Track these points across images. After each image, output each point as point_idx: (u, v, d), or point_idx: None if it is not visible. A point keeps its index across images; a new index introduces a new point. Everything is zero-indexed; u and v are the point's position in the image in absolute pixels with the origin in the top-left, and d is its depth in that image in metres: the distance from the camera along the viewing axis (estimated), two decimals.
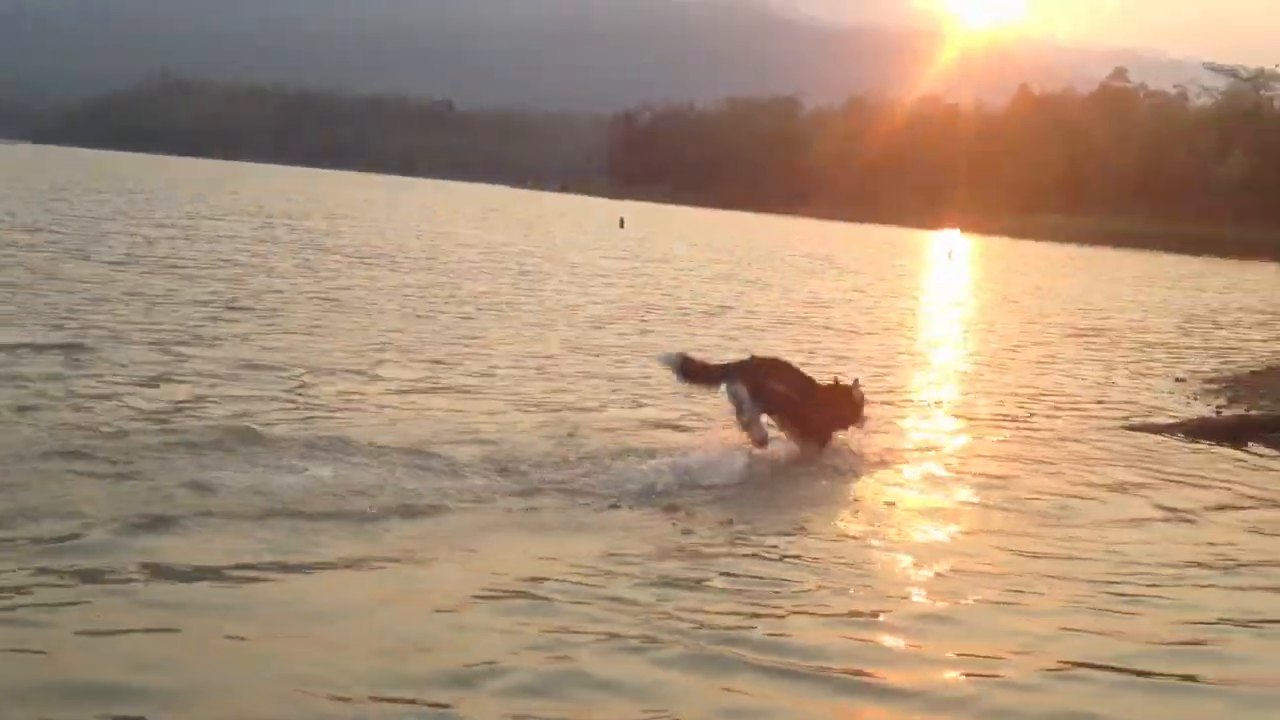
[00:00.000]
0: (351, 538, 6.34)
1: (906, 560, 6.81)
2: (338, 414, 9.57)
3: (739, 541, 6.87)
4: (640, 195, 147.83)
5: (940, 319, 25.00)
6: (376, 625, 5.24)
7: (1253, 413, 13.00)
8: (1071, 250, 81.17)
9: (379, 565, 5.98)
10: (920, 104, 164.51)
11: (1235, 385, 15.70)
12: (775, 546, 6.78)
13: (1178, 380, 16.06)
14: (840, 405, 9.16)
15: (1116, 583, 6.52)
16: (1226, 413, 13.07)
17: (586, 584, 5.88)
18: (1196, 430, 11.61)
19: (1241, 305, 35.81)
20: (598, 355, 14.38)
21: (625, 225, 60.25)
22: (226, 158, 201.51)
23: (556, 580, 5.91)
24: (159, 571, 5.66)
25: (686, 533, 7.00)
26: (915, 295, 32.28)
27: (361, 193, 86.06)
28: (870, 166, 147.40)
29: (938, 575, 6.53)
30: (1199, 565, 7.11)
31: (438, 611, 5.45)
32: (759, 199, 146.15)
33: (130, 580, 5.51)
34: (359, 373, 11.67)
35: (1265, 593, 6.70)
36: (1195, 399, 14.30)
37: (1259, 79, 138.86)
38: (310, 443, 8.22)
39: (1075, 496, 8.65)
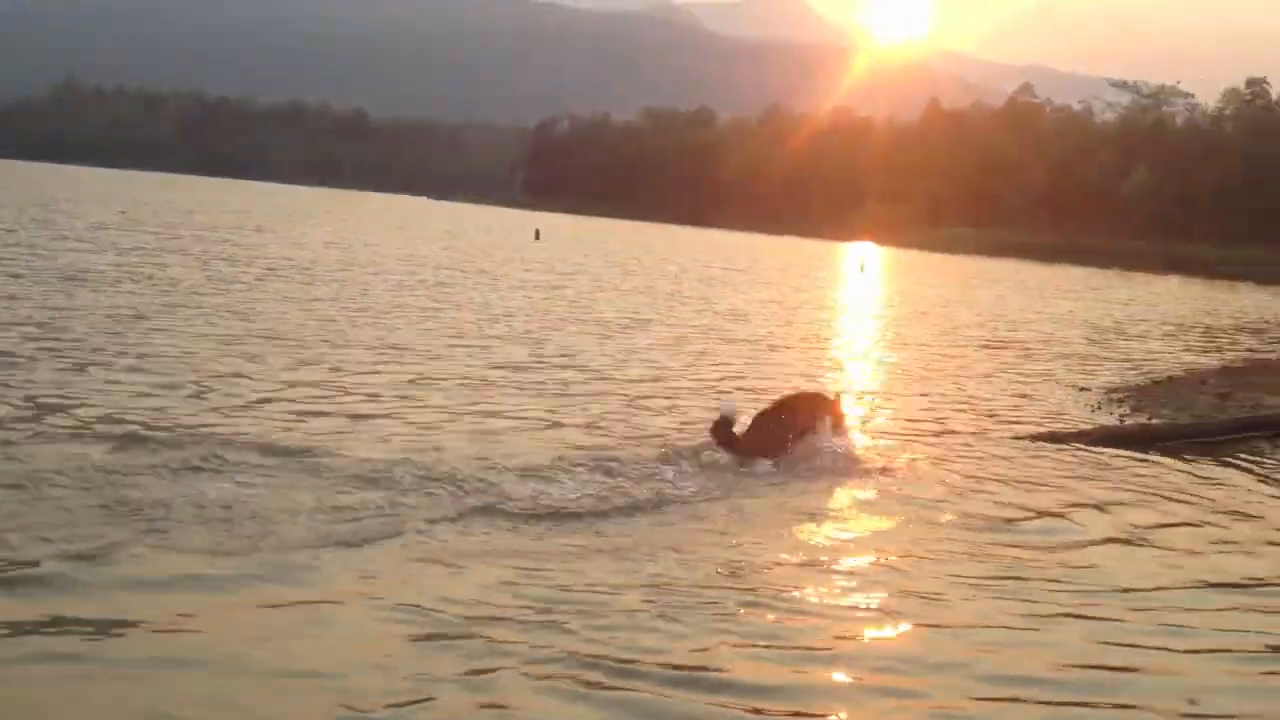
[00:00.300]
0: (262, 568, 6.14)
1: (834, 584, 6.67)
2: (248, 430, 9.45)
3: (660, 560, 6.74)
4: (556, 206, 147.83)
5: (854, 331, 25.28)
6: (285, 660, 5.05)
7: (1154, 422, 13.34)
8: (981, 263, 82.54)
9: (296, 595, 5.81)
10: (833, 117, 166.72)
11: (1138, 395, 16.07)
12: (704, 571, 6.62)
13: (1083, 390, 16.38)
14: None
15: (1029, 599, 6.61)
16: (1129, 422, 13.39)
17: (514, 616, 5.68)
18: (1100, 439, 11.87)
19: (1145, 317, 36.62)
20: (521, 369, 14.36)
21: (540, 237, 60.19)
22: (135, 167, 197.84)
23: (480, 611, 5.70)
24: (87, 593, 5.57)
25: (619, 557, 6.76)
26: (830, 307, 32.64)
27: (275, 202, 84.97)
28: (785, 178, 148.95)
29: (870, 604, 6.39)
30: (1126, 589, 7.22)
31: (361, 645, 5.27)
32: (674, 210, 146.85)
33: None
34: (268, 386, 11.55)
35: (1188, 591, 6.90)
36: (1100, 409, 14.62)
37: (1160, 95, 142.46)
38: (216, 461, 8.09)
39: (981, 505, 8.81)
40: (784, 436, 9.43)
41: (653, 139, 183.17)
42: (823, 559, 7.20)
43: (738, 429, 9.47)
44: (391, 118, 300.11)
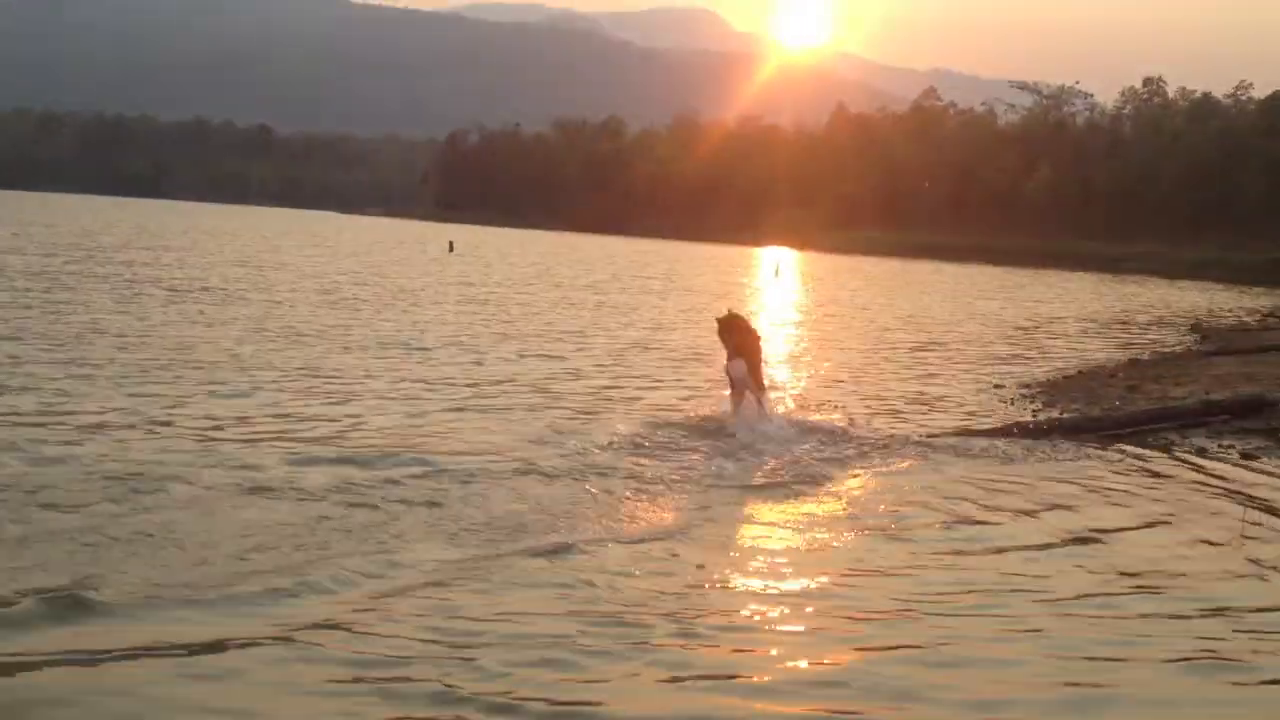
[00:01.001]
0: (182, 607, 5.96)
1: (764, 606, 6.49)
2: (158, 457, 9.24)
3: (582, 586, 6.59)
4: (468, 219, 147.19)
5: (774, 336, 25.35)
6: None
7: (1064, 415, 13.55)
8: (891, 264, 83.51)
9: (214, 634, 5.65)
10: (741, 124, 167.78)
11: (1050, 390, 16.33)
12: (631, 595, 6.47)
13: (996, 387, 16.60)
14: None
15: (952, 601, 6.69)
16: (1041, 416, 13.59)
17: (429, 654, 5.52)
18: (1011, 433, 12.03)
19: (1053, 314, 37.28)
20: (434, 387, 14.21)
21: (455, 249, 59.83)
22: (34, 188, 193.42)
23: (396, 649, 5.53)
24: None
25: (539, 585, 6.58)
26: (749, 313, 32.68)
27: (179, 221, 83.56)
28: (695, 185, 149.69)
29: (794, 623, 6.27)
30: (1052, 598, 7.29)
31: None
32: (586, 219, 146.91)
33: None
34: (179, 414, 11.31)
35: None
36: (1013, 404, 14.81)
37: (1061, 96, 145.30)
38: (121, 489, 7.91)
39: (905, 507, 8.89)
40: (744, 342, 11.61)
41: (563, 149, 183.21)
42: (754, 579, 7.03)
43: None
44: (298, 133, 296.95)
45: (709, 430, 11.25)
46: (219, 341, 16.82)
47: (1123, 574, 7.36)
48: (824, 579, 7.00)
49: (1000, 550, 7.81)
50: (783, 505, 8.85)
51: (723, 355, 11.90)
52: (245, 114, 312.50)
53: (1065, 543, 8.12)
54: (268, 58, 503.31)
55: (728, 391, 11.83)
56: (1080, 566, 7.55)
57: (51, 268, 29.50)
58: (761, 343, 12.11)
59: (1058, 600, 6.75)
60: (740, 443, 10.65)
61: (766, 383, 12.33)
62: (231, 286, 27.36)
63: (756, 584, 6.91)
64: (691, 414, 12.20)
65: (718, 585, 6.83)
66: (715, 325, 12.02)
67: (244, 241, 56.38)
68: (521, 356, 17.51)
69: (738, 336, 11.72)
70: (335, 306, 24.07)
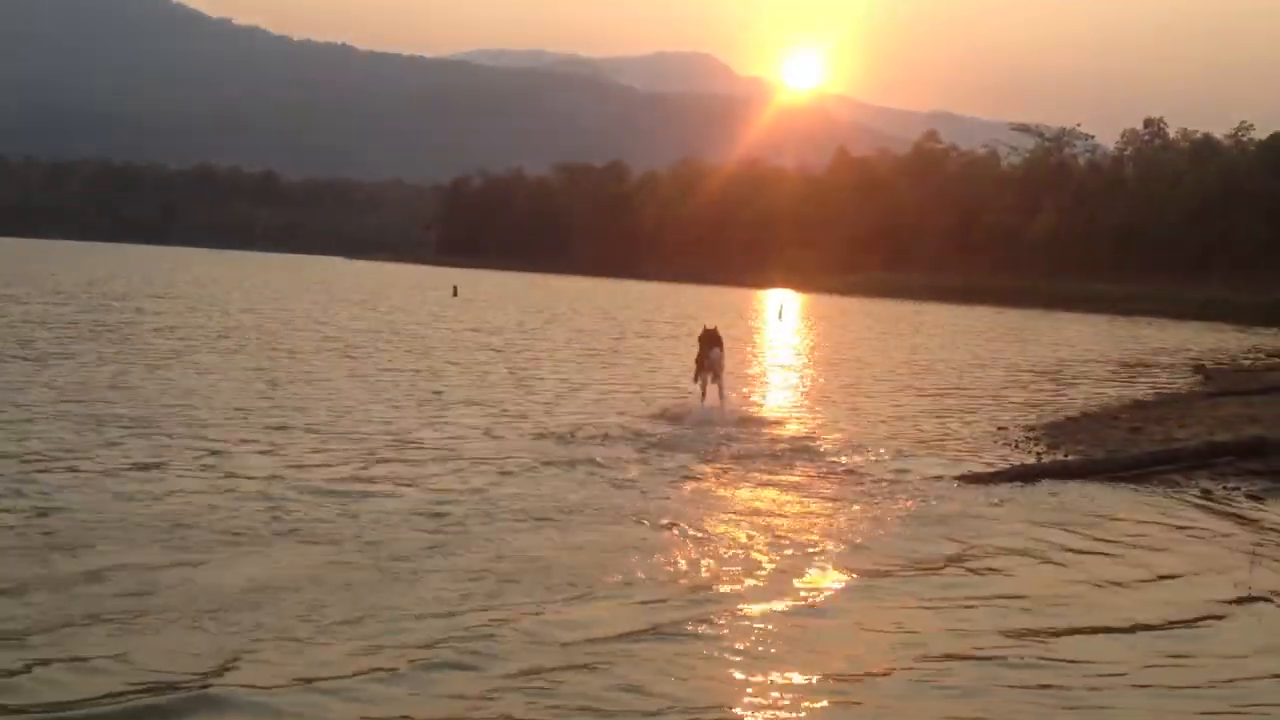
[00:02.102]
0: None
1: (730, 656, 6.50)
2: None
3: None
4: (472, 263, 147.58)
5: (779, 377, 25.37)
6: None
7: (1068, 458, 13.58)
8: (893, 306, 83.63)
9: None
10: (744, 167, 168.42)
11: (1054, 432, 16.36)
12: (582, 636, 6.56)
13: (999, 429, 16.63)
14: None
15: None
16: (1046, 459, 13.62)
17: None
18: (1016, 476, 12.07)
19: (1057, 355, 37.32)
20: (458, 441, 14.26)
21: (458, 294, 60.02)
22: (43, 236, 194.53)
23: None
24: None
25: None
26: (756, 356, 32.74)
27: (187, 270, 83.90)
28: (698, 229, 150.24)
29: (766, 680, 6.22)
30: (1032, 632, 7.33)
31: None
32: (591, 264, 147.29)
33: None
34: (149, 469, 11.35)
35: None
36: (1017, 447, 14.84)
37: (1062, 138, 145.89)
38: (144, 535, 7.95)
39: (910, 550, 8.93)
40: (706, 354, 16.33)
41: (566, 193, 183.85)
42: (741, 625, 7.05)
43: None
44: (303, 179, 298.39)
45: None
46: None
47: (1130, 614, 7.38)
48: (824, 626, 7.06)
49: (1007, 597, 7.88)
50: (772, 543, 8.91)
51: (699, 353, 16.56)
52: (250, 160, 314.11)
53: (1075, 595, 8.14)
54: (273, 104, 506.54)
55: (696, 382, 16.54)
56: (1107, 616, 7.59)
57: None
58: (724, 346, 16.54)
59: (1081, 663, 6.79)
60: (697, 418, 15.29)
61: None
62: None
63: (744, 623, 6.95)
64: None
65: (690, 635, 6.88)
66: (700, 332, 16.65)
67: (285, 296, 56.49)
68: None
69: (715, 342, 16.31)
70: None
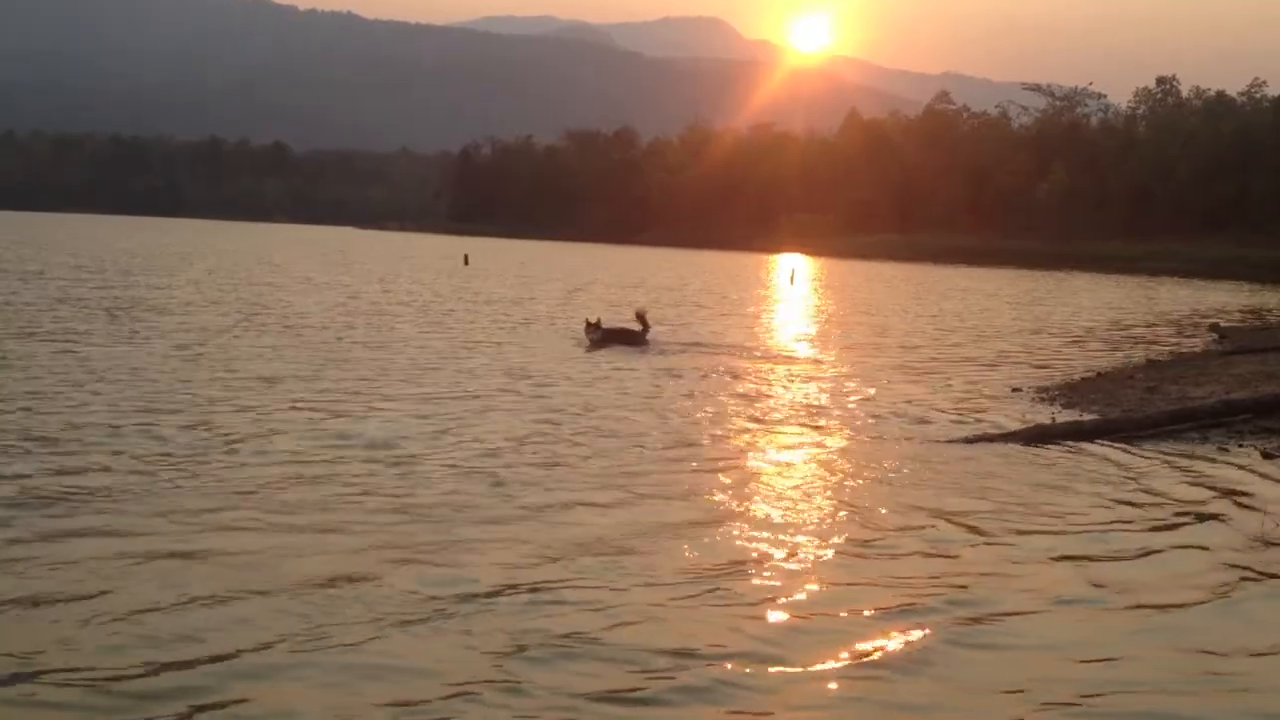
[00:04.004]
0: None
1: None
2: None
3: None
4: (482, 231, 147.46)
5: (796, 340, 25.28)
6: None
7: (1083, 418, 13.52)
8: (905, 268, 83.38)
9: None
10: (753, 131, 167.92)
11: (1069, 392, 16.29)
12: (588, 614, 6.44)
13: (1014, 390, 16.56)
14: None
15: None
16: (1061, 419, 13.55)
17: None
18: (1032, 437, 12.02)
19: (1072, 315, 37.16)
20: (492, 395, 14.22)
21: (469, 262, 59.92)
22: (52, 210, 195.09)
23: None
24: None
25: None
26: (772, 317, 32.67)
27: (202, 240, 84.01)
28: (709, 193, 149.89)
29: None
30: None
31: None
32: (601, 230, 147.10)
33: None
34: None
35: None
36: (1031, 407, 14.78)
37: (1074, 97, 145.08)
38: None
39: (917, 514, 8.89)
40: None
41: (576, 160, 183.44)
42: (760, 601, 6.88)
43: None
44: (312, 150, 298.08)
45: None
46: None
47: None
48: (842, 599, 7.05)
49: (1023, 562, 7.83)
50: (789, 507, 8.91)
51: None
52: (258, 131, 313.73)
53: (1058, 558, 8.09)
54: (281, 74, 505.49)
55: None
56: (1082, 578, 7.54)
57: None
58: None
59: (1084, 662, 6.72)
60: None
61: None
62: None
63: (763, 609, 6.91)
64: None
65: (710, 592, 6.88)
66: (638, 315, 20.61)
67: (289, 261, 56.51)
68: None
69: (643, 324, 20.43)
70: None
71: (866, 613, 6.47)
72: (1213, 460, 11.17)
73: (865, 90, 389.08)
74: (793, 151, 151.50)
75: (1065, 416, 13.78)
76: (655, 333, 21.40)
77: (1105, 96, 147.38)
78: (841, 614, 6.45)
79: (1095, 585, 7.20)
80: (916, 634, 6.17)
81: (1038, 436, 12.07)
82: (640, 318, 20.56)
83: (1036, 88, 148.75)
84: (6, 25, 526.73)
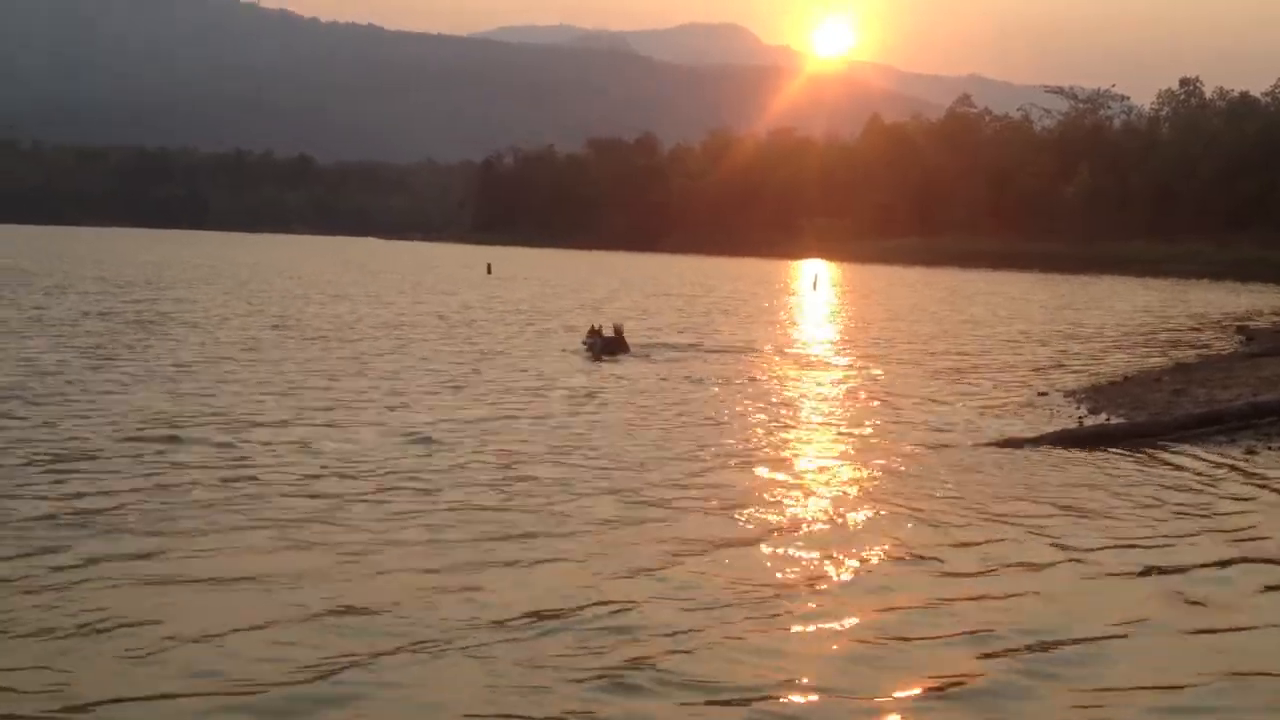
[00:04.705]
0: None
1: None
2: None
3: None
4: (505, 240, 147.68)
5: (822, 346, 25.33)
6: None
7: (1110, 421, 13.55)
8: (929, 273, 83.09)
9: None
10: (774, 136, 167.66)
11: (1095, 396, 16.31)
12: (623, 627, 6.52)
13: (1040, 394, 16.59)
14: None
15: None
16: (1088, 423, 13.59)
17: None
18: (1060, 441, 12.07)
19: (1096, 318, 37.05)
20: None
21: (492, 271, 60.17)
22: (74, 222, 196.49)
23: None
24: None
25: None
26: (798, 324, 32.73)
27: (228, 253, 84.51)
28: (730, 200, 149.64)
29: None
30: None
31: None
32: (623, 238, 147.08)
33: None
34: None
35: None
36: (1057, 411, 14.81)
37: (1097, 100, 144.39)
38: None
39: (943, 517, 8.97)
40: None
41: (598, 168, 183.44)
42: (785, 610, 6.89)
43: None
44: (335, 161, 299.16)
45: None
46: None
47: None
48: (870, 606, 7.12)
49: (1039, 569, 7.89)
50: (819, 513, 9.02)
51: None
52: (281, 141, 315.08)
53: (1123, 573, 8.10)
54: (303, 84, 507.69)
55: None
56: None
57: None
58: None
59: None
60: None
61: None
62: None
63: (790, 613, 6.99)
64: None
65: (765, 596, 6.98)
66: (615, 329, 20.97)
67: (319, 273, 56.77)
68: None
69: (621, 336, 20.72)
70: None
71: (932, 637, 6.29)
72: (1246, 464, 11.20)
73: (886, 94, 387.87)
74: (813, 156, 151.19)
75: (1092, 420, 13.81)
76: (683, 340, 21.55)
77: (1128, 99, 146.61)
78: (907, 639, 6.26)
79: (1168, 603, 7.02)
80: (989, 662, 5.96)
81: (1066, 440, 12.12)
82: (618, 331, 20.98)
83: (1059, 90, 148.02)
84: (30, 38, 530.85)
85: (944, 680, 5.67)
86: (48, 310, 26.88)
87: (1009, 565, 7.74)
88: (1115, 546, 8.24)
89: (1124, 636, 6.39)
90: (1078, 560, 7.87)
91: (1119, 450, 11.73)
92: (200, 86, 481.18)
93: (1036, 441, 12.10)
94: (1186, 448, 11.88)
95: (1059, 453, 11.55)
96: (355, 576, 7.08)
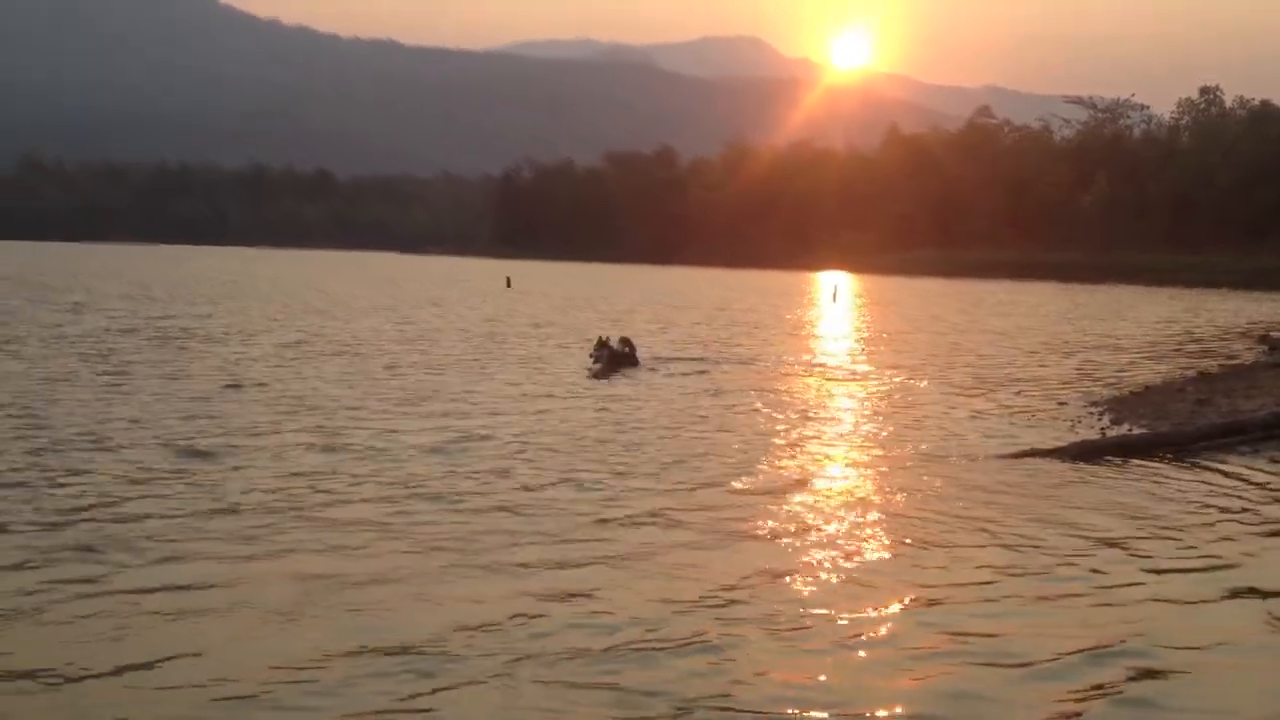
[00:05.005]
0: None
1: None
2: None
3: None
4: (524, 254, 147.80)
5: (843, 357, 25.30)
6: None
7: (1132, 432, 13.49)
8: (949, 284, 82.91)
9: None
10: (793, 148, 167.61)
11: (1117, 406, 16.24)
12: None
13: (1060, 405, 16.53)
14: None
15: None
16: (1110, 433, 13.54)
17: None
18: (1081, 452, 12.02)
19: (1115, 328, 36.91)
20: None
21: (511, 285, 60.29)
22: (98, 239, 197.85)
23: None
24: None
25: None
26: (821, 336, 32.68)
27: (248, 268, 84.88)
28: (749, 212, 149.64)
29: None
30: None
31: None
32: (643, 251, 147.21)
33: None
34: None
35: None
36: (1080, 422, 14.75)
37: (1116, 109, 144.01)
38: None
39: (960, 526, 8.96)
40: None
41: (617, 182, 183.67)
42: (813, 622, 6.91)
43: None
44: (355, 175, 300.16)
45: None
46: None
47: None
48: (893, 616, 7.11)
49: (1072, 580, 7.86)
50: (838, 525, 9.02)
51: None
52: (301, 156, 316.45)
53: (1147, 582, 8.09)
54: (323, 99, 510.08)
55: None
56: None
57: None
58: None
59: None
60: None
61: None
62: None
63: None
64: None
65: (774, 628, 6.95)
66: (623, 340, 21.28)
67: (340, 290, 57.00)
68: None
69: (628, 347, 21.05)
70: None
71: (1017, 669, 6.04)
72: (1267, 473, 11.14)
73: (905, 105, 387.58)
74: (832, 168, 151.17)
75: (1115, 430, 13.76)
76: (703, 353, 21.52)
77: (1148, 108, 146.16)
78: (989, 669, 6.04)
79: (1261, 623, 6.83)
80: (1084, 698, 5.71)
81: (1088, 451, 12.08)
82: (626, 344, 21.28)
83: (1078, 100, 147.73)
84: (51, 57, 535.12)
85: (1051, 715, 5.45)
86: (72, 326, 27.05)
87: (1084, 588, 7.47)
88: (1192, 566, 8.03)
89: (1228, 663, 6.16)
90: (1155, 575, 7.74)
91: (1144, 461, 11.66)
92: (221, 103, 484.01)
93: (1059, 453, 12.05)
94: (1211, 458, 11.81)
95: (1076, 464, 11.50)
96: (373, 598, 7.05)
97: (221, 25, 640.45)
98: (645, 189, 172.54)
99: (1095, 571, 7.80)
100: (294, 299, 42.99)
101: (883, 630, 6.64)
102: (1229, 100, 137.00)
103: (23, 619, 6.51)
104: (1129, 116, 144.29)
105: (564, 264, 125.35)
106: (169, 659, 5.96)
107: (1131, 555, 8.29)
